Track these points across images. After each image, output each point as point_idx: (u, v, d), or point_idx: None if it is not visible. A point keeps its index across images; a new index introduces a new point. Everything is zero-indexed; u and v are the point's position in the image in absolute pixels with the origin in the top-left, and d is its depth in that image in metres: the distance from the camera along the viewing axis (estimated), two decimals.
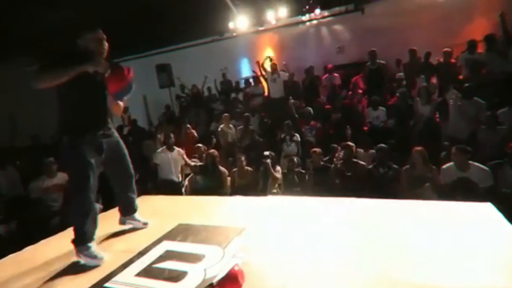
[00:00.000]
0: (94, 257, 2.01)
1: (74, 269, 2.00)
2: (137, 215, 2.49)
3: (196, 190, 4.92)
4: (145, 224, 2.48)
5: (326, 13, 8.84)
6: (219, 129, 6.83)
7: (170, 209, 2.91)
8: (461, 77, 5.96)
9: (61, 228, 2.62)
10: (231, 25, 8.54)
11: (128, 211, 2.46)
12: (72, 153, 2.03)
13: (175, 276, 1.74)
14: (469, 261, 1.60)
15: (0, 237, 4.20)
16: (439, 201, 2.53)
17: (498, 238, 1.79)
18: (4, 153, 6.96)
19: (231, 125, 6.92)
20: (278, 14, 8.24)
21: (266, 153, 4.75)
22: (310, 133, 5.98)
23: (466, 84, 5.09)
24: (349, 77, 7.69)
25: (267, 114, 7.20)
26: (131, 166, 2.40)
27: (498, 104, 4.87)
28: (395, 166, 4.23)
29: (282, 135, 5.76)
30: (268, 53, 9.48)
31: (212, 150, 5.15)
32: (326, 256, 1.80)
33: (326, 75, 7.87)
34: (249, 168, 5.03)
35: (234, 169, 5.09)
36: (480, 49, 5.96)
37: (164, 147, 5.54)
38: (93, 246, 2.06)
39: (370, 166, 4.40)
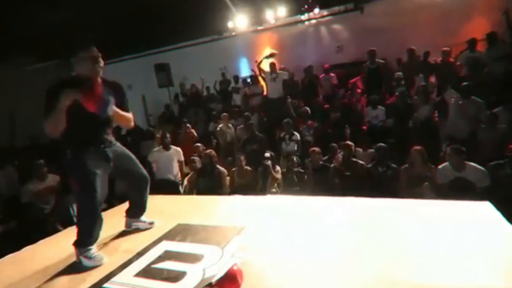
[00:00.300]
0: (94, 258, 2.01)
1: (73, 269, 2.00)
2: (142, 216, 2.49)
3: (195, 190, 4.93)
4: (151, 223, 2.48)
5: (325, 12, 8.84)
6: (218, 128, 6.83)
7: (169, 209, 2.90)
8: (461, 75, 5.96)
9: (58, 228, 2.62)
10: (230, 24, 8.53)
11: (137, 213, 2.47)
12: (76, 165, 2.03)
13: (174, 276, 1.74)
14: (468, 261, 1.60)
15: None
16: (438, 200, 2.53)
17: (497, 238, 1.79)
18: (3, 152, 6.97)
19: (230, 125, 6.92)
20: (277, 14, 8.24)
21: (267, 154, 4.75)
22: (307, 133, 5.97)
23: (464, 83, 5.09)
24: (348, 76, 7.71)
25: (266, 113, 7.20)
26: (143, 169, 2.41)
27: (496, 103, 4.87)
28: (394, 165, 4.23)
29: (282, 134, 5.76)
30: (267, 51, 9.49)
31: (209, 151, 5.15)
32: (325, 256, 1.79)
33: (323, 74, 7.89)
34: (248, 168, 5.03)
35: (234, 169, 5.09)
36: (481, 48, 5.97)
37: (160, 146, 5.52)
38: (94, 248, 2.06)
39: (369, 165, 4.40)
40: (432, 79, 6.51)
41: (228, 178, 5.01)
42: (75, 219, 2.17)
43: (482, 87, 5.48)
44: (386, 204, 2.44)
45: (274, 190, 4.61)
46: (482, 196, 2.33)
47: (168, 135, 5.56)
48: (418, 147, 3.95)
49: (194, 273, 1.74)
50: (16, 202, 4.67)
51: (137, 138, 7.61)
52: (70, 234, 2.44)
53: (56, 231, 2.73)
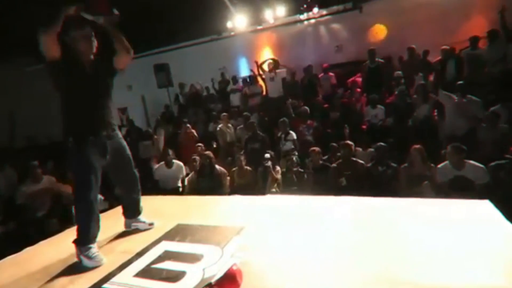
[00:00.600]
0: (94, 258, 2.02)
1: (73, 270, 2.00)
2: (141, 216, 2.49)
3: (195, 190, 4.92)
4: (151, 224, 2.48)
5: (324, 11, 8.82)
6: (218, 128, 6.83)
7: (169, 209, 2.91)
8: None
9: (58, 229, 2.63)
10: (229, 24, 8.54)
11: (133, 213, 2.47)
12: (77, 157, 2.04)
13: (174, 276, 1.74)
14: (468, 260, 1.60)
15: None
16: (438, 199, 2.53)
17: (497, 237, 1.80)
18: (2, 153, 6.97)
19: (229, 125, 6.91)
20: (276, 13, 8.24)
21: (267, 155, 4.75)
22: (307, 132, 5.97)
23: (460, 82, 5.11)
24: (347, 75, 7.72)
25: (265, 113, 7.20)
26: (134, 168, 2.41)
27: (494, 101, 4.87)
28: (393, 164, 4.23)
29: (278, 134, 5.77)
30: (267, 52, 9.51)
31: (207, 152, 5.14)
32: (325, 255, 1.80)
33: (322, 74, 7.89)
34: (248, 168, 5.04)
35: (234, 169, 5.09)
36: (482, 45, 5.99)
37: (163, 163, 5.46)
38: (94, 247, 2.06)
39: (369, 165, 4.40)
40: (431, 78, 6.51)
41: (228, 178, 5.01)
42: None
43: (482, 86, 5.50)
44: (386, 203, 2.45)
45: (274, 190, 4.61)
46: (481, 194, 2.33)
47: (170, 152, 5.50)
48: (417, 146, 3.96)
49: (193, 273, 1.74)
50: (15, 203, 4.68)
51: (136, 138, 7.60)
52: (70, 235, 2.45)
53: (56, 231, 2.72)
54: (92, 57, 2.11)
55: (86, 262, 2.01)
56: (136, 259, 1.99)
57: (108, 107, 2.19)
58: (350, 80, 7.30)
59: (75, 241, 2.05)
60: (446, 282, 1.46)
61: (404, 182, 4.00)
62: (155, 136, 7.22)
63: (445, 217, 2.09)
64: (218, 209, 2.82)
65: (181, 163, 5.49)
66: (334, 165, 4.51)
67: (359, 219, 2.21)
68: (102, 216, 2.20)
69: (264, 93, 7.78)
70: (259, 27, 9.18)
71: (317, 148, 4.84)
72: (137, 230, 2.46)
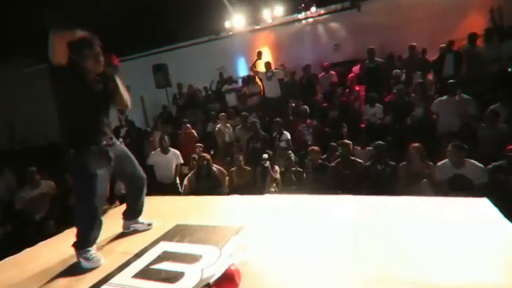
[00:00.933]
0: (93, 259, 2.02)
1: (72, 271, 2.00)
2: (140, 218, 2.50)
3: (194, 191, 4.92)
4: (150, 225, 2.49)
5: (322, 10, 8.84)
6: (216, 128, 6.82)
7: (168, 209, 2.91)
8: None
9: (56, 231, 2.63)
10: (227, 24, 8.53)
11: (135, 215, 2.47)
12: (78, 166, 2.04)
13: (172, 277, 1.74)
14: (467, 258, 1.60)
15: None
16: (437, 197, 2.53)
17: (495, 235, 1.80)
18: (2, 156, 6.97)
19: (228, 125, 6.91)
20: (274, 13, 8.25)
21: (265, 155, 4.75)
22: (307, 131, 5.97)
23: (450, 81, 5.14)
24: (346, 74, 7.72)
25: (264, 113, 7.20)
26: (141, 170, 2.42)
27: (493, 100, 4.88)
28: (392, 162, 4.23)
29: (274, 134, 5.78)
30: (265, 52, 9.48)
31: (204, 154, 5.13)
32: (325, 255, 1.79)
33: (323, 73, 7.88)
34: (247, 168, 5.03)
35: (232, 169, 5.09)
36: (480, 44, 6.00)
37: (159, 149, 5.50)
38: (93, 249, 2.07)
39: (367, 163, 4.40)
40: (430, 76, 6.52)
41: (227, 178, 5.00)
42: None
43: (480, 83, 5.51)
44: (385, 202, 2.44)
45: (273, 189, 4.61)
46: (480, 193, 2.33)
47: (166, 138, 5.52)
48: (416, 145, 3.96)
49: (192, 274, 1.74)
50: (14, 207, 4.68)
51: (136, 139, 7.60)
52: (68, 236, 2.44)
53: (54, 233, 2.72)
54: (97, 74, 2.12)
55: (84, 263, 2.01)
56: (135, 260, 1.99)
57: (107, 122, 2.22)
58: (350, 76, 7.31)
59: (74, 244, 2.06)
60: (447, 281, 1.46)
61: (403, 181, 4.00)
62: (151, 138, 7.23)
63: (444, 215, 2.10)
64: (217, 209, 2.82)
65: (177, 151, 5.49)
66: (332, 164, 4.51)
67: (358, 218, 2.21)
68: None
69: (262, 93, 7.77)
70: (257, 27, 9.19)
71: (316, 148, 4.85)
72: (135, 231, 2.45)
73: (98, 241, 2.15)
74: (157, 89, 9.31)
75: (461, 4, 7.47)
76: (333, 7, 8.68)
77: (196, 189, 4.86)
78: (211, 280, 1.58)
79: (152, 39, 9.08)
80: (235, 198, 3.19)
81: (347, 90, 7.09)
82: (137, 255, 2.04)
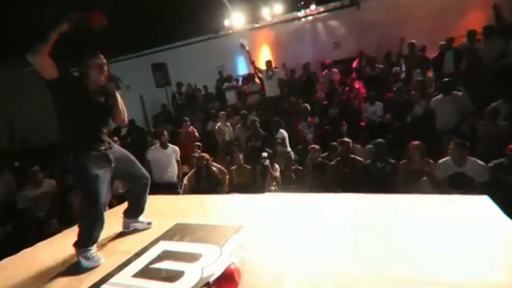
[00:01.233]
0: (93, 259, 2.02)
1: (72, 270, 2.00)
2: (140, 216, 2.50)
3: (194, 190, 4.91)
4: (149, 224, 2.49)
5: (321, 8, 8.81)
6: (216, 127, 6.81)
7: (168, 208, 2.91)
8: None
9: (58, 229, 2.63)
10: (226, 22, 8.51)
11: (136, 214, 2.48)
12: (79, 170, 2.05)
13: (172, 276, 1.74)
14: (468, 256, 1.60)
15: None
16: (437, 195, 2.53)
17: (496, 232, 1.80)
18: (2, 156, 6.97)
19: (228, 124, 6.90)
20: (274, 11, 8.22)
21: (264, 154, 4.73)
22: (308, 130, 5.96)
23: (445, 79, 5.15)
24: (345, 72, 7.71)
25: (264, 111, 7.20)
26: (144, 169, 2.42)
27: (494, 97, 4.87)
28: (392, 160, 4.23)
29: (273, 132, 5.78)
30: (265, 50, 9.51)
31: (203, 154, 5.10)
32: (324, 253, 1.79)
33: (326, 71, 7.86)
34: (247, 166, 5.03)
35: (232, 167, 5.08)
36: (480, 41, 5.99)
37: (158, 144, 5.47)
38: (93, 249, 2.08)
39: (367, 161, 4.39)
40: (429, 74, 6.51)
41: (227, 177, 5.00)
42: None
43: (480, 80, 5.50)
44: (385, 200, 2.44)
45: (273, 188, 4.60)
46: (480, 192, 2.33)
47: (166, 133, 5.48)
48: (416, 142, 3.95)
49: (192, 273, 1.74)
50: (13, 207, 4.68)
51: (137, 138, 7.59)
52: (68, 236, 2.45)
53: (56, 231, 2.73)
54: (99, 85, 2.12)
55: (84, 262, 2.02)
56: (135, 259, 1.99)
57: (106, 130, 2.23)
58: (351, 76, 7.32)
59: (75, 243, 2.06)
60: (447, 279, 1.46)
61: (403, 179, 4.00)
62: (149, 138, 7.21)
63: (444, 212, 2.09)
64: (217, 208, 2.82)
65: (176, 147, 5.45)
66: (332, 162, 4.51)
67: (358, 217, 2.21)
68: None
69: (262, 91, 7.76)
70: (256, 25, 9.17)
71: (316, 146, 4.84)
72: (135, 230, 2.45)
73: (98, 240, 2.15)
74: (156, 88, 9.29)
75: (461, 1, 7.45)
76: (332, 4, 8.66)
77: (196, 189, 4.85)
78: (211, 279, 1.57)
79: (151, 38, 9.05)
80: (235, 197, 3.20)
81: (347, 88, 7.09)
82: (137, 254, 2.04)
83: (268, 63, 7.15)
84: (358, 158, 4.46)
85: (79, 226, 2.10)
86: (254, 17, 8.54)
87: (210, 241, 2.06)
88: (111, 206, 3.23)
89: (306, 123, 6.03)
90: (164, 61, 9.27)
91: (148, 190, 2.45)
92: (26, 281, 1.95)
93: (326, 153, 4.96)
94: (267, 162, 4.55)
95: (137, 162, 2.39)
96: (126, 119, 2.31)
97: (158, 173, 5.25)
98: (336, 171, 4.39)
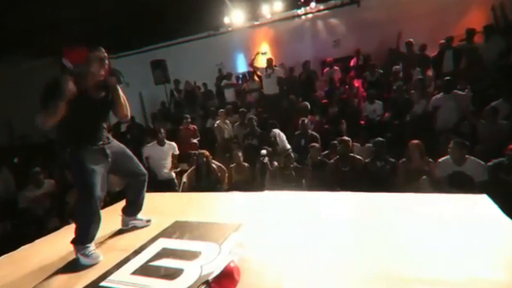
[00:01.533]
0: (91, 256, 2.01)
1: (70, 268, 1.99)
2: (139, 214, 2.49)
3: (194, 188, 4.89)
4: (148, 221, 2.49)
5: (321, 6, 8.79)
6: (216, 125, 6.80)
7: (167, 206, 2.90)
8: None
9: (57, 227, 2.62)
10: (226, 20, 8.49)
11: (134, 211, 2.47)
12: (75, 164, 2.04)
13: (171, 274, 1.73)
14: (467, 255, 1.60)
15: None
16: (436, 194, 2.52)
17: (495, 231, 1.79)
18: (1, 153, 6.94)
19: (227, 121, 6.89)
20: (274, 8, 8.20)
21: (263, 152, 4.72)
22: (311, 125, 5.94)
23: (446, 78, 5.15)
24: (345, 70, 7.71)
25: (263, 109, 7.19)
26: (141, 166, 2.41)
27: (493, 96, 4.87)
28: (391, 159, 4.23)
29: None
30: (262, 47, 9.46)
31: (203, 151, 5.05)
32: (324, 252, 1.79)
33: (327, 68, 7.85)
34: (246, 164, 5.02)
35: (232, 165, 5.07)
36: (479, 40, 5.98)
37: (155, 141, 5.44)
38: (92, 245, 2.06)
39: (367, 160, 4.39)
40: (429, 73, 6.50)
41: (226, 174, 4.99)
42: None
43: (479, 79, 5.50)
44: (385, 199, 2.43)
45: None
46: (480, 191, 2.33)
47: (163, 130, 5.44)
48: (415, 141, 3.95)
49: (191, 270, 1.73)
50: (12, 205, 4.67)
51: (137, 135, 7.57)
52: (66, 233, 2.44)
53: (55, 229, 2.72)
54: (99, 79, 2.10)
55: (83, 260, 2.01)
56: (134, 256, 1.98)
57: (105, 126, 2.22)
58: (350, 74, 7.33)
59: (73, 241, 2.06)
60: (446, 278, 1.46)
61: (402, 177, 4.00)
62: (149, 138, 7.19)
63: (444, 212, 2.09)
64: (216, 205, 2.81)
65: (173, 143, 5.39)
66: (331, 161, 4.51)
67: (357, 216, 2.21)
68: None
69: (262, 89, 7.75)
70: (256, 23, 9.14)
71: (316, 144, 4.84)
72: (134, 228, 2.45)
73: (96, 237, 2.14)
74: (156, 85, 9.26)
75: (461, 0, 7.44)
76: (332, 2, 8.62)
77: (196, 187, 4.82)
78: (210, 277, 1.57)
79: (151, 35, 9.02)
80: (234, 195, 3.19)
81: (347, 86, 7.09)
82: (136, 252, 2.03)
83: (269, 61, 7.14)
84: (358, 156, 4.45)
85: (75, 223, 2.09)
86: (254, 15, 8.52)
87: (210, 239, 2.06)
88: (105, 203, 3.23)
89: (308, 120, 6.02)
90: (164, 58, 9.23)
91: (145, 187, 2.44)
92: (24, 278, 1.94)
93: (326, 152, 4.95)
94: (266, 159, 4.55)
95: (134, 158, 2.38)
96: (128, 114, 2.30)
97: (155, 170, 5.23)
98: (335, 169, 4.39)
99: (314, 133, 5.49)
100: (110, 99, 2.17)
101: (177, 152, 5.36)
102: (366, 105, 6.18)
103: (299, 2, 8.36)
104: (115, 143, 2.28)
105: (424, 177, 3.74)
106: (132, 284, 1.71)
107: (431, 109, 5.14)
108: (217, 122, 6.81)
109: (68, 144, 2.04)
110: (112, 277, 1.80)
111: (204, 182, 4.79)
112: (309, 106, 6.33)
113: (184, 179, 5.17)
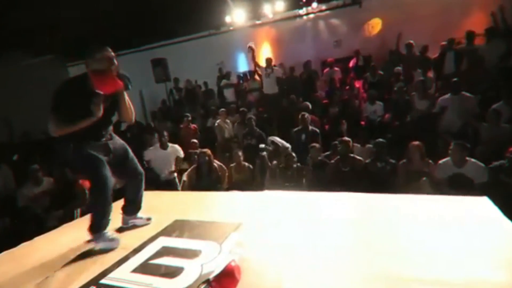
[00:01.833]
0: (111, 240, 2.10)
1: (70, 265, 1.99)
2: (139, 213, 2.50)
3: (194, 187, 4.89)
4: (149, 219, 2.49)
5: (323, 6, 8.79)
6: (216, 124, 6.80)
7: (167, 205, 2.90)
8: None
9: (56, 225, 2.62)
10: (228, 19, 8.49)
11: (134, 210, 2.47)
12: (82, 157, 2.05)
13: (172, 272, 1.73)
14: (468, 256, 1.60)
15: None
16: (437, 196, 2.52)
17: (495, 232, 1.80)
18: (1, 150, 6.93)
19: (228, 121, 6.89)
20: (275, 8, 8.21)
21: (262, 145, 4.71)
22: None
23: (454, 79, 5.13)
24: (346, 71, 7.71)
25: (264, 109, 7.19)
26: (139, 164, 2.43)
27: (494, 98, 4.87)
28: (392, 160, 4.23)
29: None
30: (266, 47, 9.47)
31: (205, 149, 5.01)
32: (324, 252, 1.79)
33: (327, 69, 7.84)
34: (246, 164, 5.01)
35: (232, 165, 5.07)
36: (481, 42, 5.98)
37: (157, 144, 5.41)
38: (108, 231, 2.13)
39: (367, 161, 4.39)
40: (430, 74, 6.50)
41: (226, 174, 4.98)
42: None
43: (480, 81, 5.50)
44: (385, 200, 2.44)
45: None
46: (480, 193, 2.33)
47: (166, 133, 5.42)
48: (416, 143, 3.95)
49: (191, 269, 1.73)
50: (11, 202, 4.66)
51: (137, 133, 7.56)
52: (66, 231, 2.45)
53: (55, 227, 2.72)
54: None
55: (103, 245, 2.08)
56: (134, 254, 1.98)
57: (109, 128, 2.25)
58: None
59: (90, 229, 2.11)
60: (446, 279, 1.46)
61: (402, 179, 4.00)
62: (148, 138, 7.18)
63: (444, 213, 2.09)
64: (216, 205, 2.81)
65: (177, 146, 5.39)
66: (332, 161, 4.50)
67: (358, 216, 2.21)
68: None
69: (262, 88, 7.75)
70: (258, 22, 9.14)
71: (317, 144, 4.83)
72: (134, 226, 2.45)
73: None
74: (156, 83, 9.26)
75: (463, 1, 7.43)
76: (334, 2, 8.63)
77: (196, 186, 4.80)
78: (211, 276, 1.57)
79: (151, 33, 9.03)
80: (234, 194, 3.19)
81: (347, 87, 7.09)
82: (136, 250, 2.03)
83: (268, 60, 7.13)
84: (358, 157, 4.45)
85: (91, 212, 2.13)
86: (256, 14, 8.52)
87: (210, 238, 2.05)
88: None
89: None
90: (165, 56, 9.22)
91: (143, 186, 2.45)
92: (24, 275, 1.94)
93: (328, 153, 4.93)
94: (264, 153, 4.53)
95: (134, 157, 2.39)
96: (133, 118, 2.33)
97: (157, 173, 5.23)
98: (335, 170, 4.39)
99: (314, 128, 5.44)
100: (115, 104, 2.20)
101: (182, 155, 5.35)
102: (366, 105, 6.18)
103: (301, 2, 8.37)
104: (118, 140, 2.30)
105: (424, 178, 3.74)
106: (132, 282, 1.71)
107: (438, 109, 5.13)
108: (218, 121, 6.81)
109: (70, 140, 2.04)
110: (112, 274, 1.80)
111: (205, 181, 4.77)
112: (310, 106, 6.33)
113: (184, 178, 5.16)
